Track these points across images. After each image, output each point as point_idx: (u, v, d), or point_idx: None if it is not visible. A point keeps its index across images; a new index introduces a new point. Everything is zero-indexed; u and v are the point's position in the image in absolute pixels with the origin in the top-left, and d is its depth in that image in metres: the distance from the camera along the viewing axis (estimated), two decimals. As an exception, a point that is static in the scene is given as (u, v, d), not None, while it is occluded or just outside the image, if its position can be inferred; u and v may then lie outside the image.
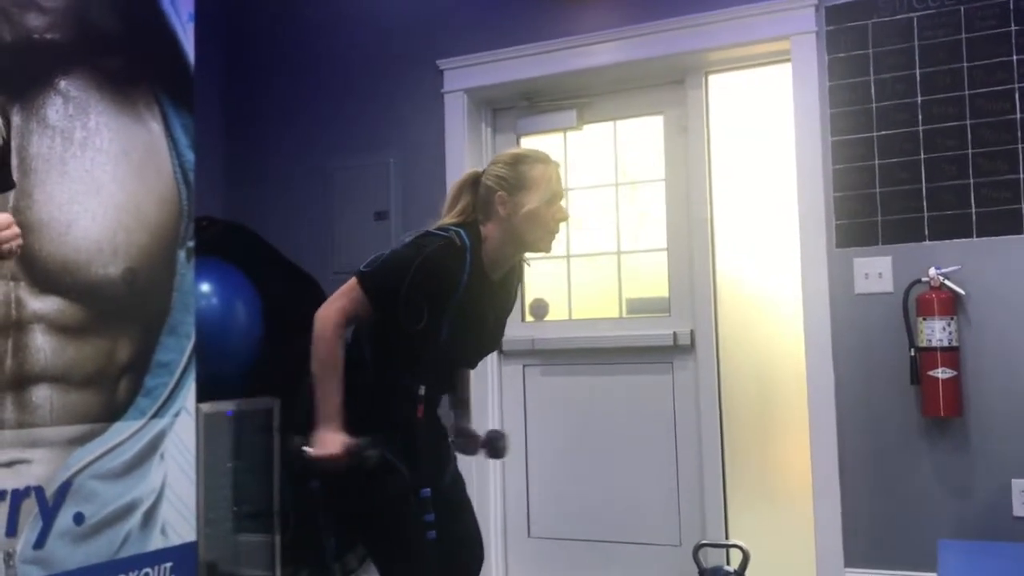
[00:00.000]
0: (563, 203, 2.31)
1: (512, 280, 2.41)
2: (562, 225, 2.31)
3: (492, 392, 3.87)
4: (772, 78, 3.58)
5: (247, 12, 4.42)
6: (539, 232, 2.27)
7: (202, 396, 3.23)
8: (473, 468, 3.72)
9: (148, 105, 3.04)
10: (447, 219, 2.30)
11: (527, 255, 2.39)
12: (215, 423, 3.45)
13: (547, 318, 3.98)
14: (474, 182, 2.31)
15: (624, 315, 3.84)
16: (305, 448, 2.15)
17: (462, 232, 2.21)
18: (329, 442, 2.11)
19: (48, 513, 2.61)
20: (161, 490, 2.97)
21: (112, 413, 2.83)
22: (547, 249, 2.32)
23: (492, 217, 2.25)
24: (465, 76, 3.92)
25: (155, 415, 2.96)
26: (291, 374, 3.55)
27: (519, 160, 2.27)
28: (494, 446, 2.52)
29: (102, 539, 2.75)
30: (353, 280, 2.21)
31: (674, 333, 3.61)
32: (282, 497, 3.66)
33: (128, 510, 2.84)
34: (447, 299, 2.17)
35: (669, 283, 3.72)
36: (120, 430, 2.84)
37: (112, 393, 2.83)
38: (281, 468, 3.65)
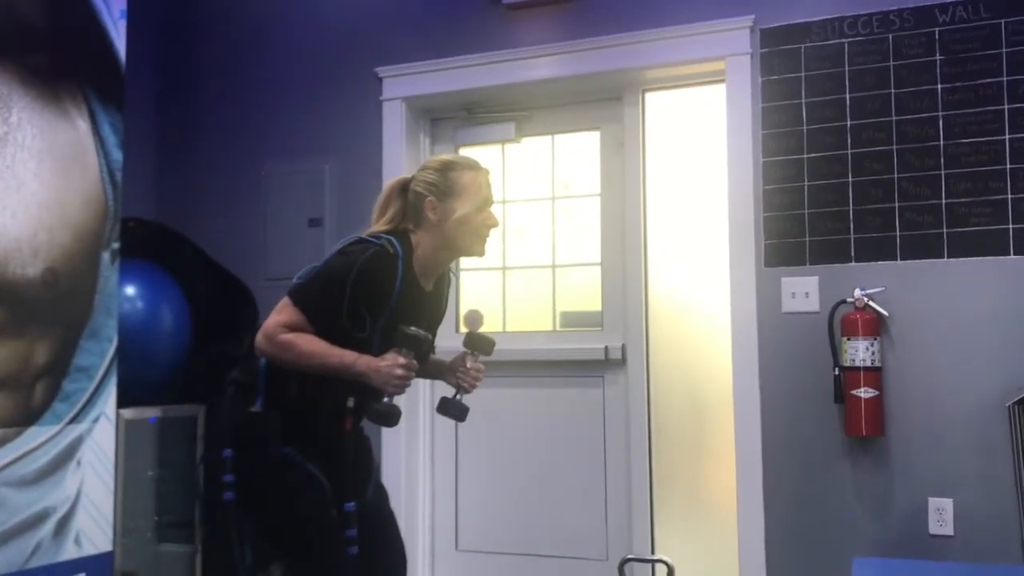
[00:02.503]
0: (493, 209, 2.31)
1: (443, 290, 2.40)
2: (497, 235, 2.32)
3: (423, 402, 3.84)
4: (707, 98, 3.63)
5: (184, 12, 4.34)
6: (470, 238, 2.27)
7: (124, 402, 3.15)
8: (402, 480, 3.70)
9: (75, 102, 2.96)
10: (377, 226, 2.28)
11: (456, 267, 2.38)
12: (137, 430, 3.36)
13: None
14: (403, 188, 2.29)
15: (558, 328, 3.84)
16: (384, 399, 2.14)
17: (394, 240, 2.19)
18: (385, 367, 2.09)
19: (-46, 521, 2.52)
20: (76, 498, 2.88)
21: (26, 417, 2.74)
22: (480, 254, 2.32)
23: (422, 224, 2.25)
24: (404, 85, 3.90)
25: (72, 420, 2.88)
26: (217, 381, 3.51)
27: (448, 167, 2.27)
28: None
29: (11, 548, 2.66)
30: (284, 300, 2.17)
31: (605, 347, 3.62)
32: (203, 507, 3.59)
33: (40, 518, 2.75)
34: (381, 308, 2.16)
35: (602, 297, 3.74)
36: (34, 435, 2.75)
37: (27, 397, 2.74)
38: (204, 477, 3.57)
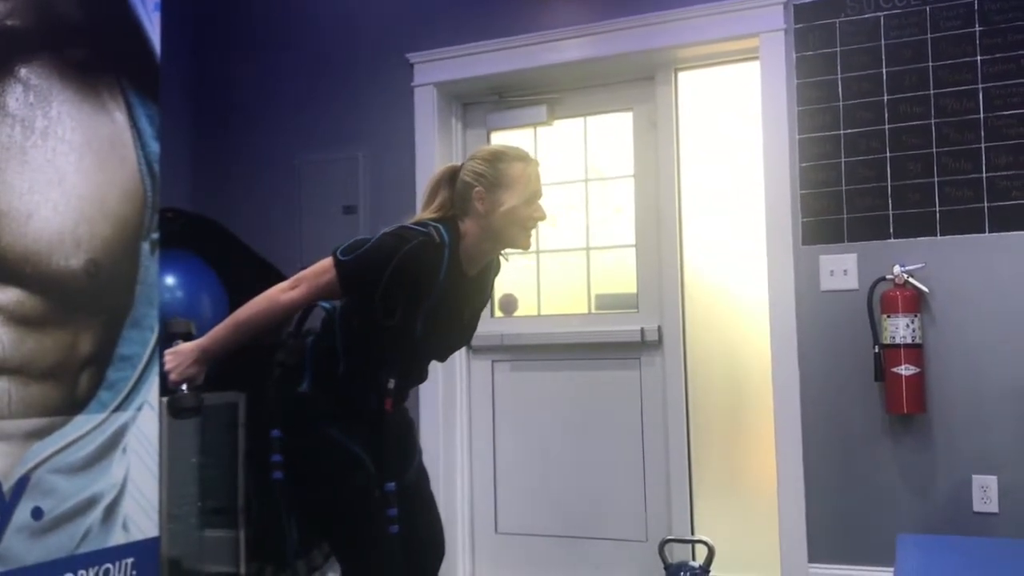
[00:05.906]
0: (541, 202, 2.28)
1: (488, 275, 2.38)
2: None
3: (460, 387, 3.86)
4: (741, 75, 3.59)
5: (216, 2, 4.37)
6: (516, 231, 2.22)
7: (166, 390, 3.19)
8: (441, 463, 3.72)
9: (112, 95, 2.99)
10: (425, 214, 2.25)
11: (506, 250, 2.35)
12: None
13: (516, 313, 3.98)
14: (451, 177, 2.27)
15: (593, 311, 3.84)
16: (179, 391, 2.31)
17: (441, 228, 2.17)
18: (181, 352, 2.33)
19: (6, 508, 2.56)
20: (123, 485, 2.92)
21: (73, 406, 2.78)
22: (525, 247, 2.28)
23: (470, 213, 2.21)
24: (435, 70, 3.90)
25: (117, 408, 2.92)
26: (257, 369, 3.54)
27: (498, 157, 2.23)
28: None
29: (61, 534, 2.70)
30: (328, 263, 2.17)
31: (642, 329, 3.62)
32: (247, 492, 3.63)
33: (88, 505, 2.80)
34: (424, 296, 2.15)
35: (637, 279, 3.73)
36: (81, 423, 2.79)
37: (73, 386, 2.78)
38: (246, 462, 3.62)
